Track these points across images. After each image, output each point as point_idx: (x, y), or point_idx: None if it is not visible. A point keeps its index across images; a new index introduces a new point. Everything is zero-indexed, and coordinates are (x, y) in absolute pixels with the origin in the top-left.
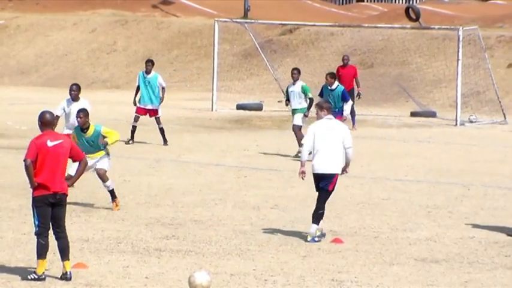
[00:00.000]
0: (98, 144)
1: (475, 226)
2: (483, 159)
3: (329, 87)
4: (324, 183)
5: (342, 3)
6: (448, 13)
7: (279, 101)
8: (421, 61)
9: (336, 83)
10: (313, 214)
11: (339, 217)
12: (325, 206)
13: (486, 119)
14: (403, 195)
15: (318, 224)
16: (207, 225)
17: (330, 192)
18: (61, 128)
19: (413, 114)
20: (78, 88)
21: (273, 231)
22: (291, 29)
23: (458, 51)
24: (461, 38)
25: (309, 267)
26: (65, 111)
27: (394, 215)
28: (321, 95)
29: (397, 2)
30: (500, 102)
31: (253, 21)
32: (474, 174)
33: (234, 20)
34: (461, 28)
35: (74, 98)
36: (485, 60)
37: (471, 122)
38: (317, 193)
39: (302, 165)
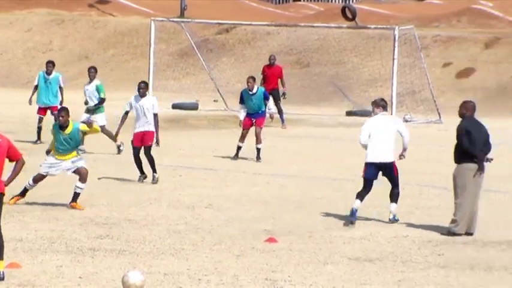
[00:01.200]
0: (75, 141)
1: (410, 225)
2: (418, 158)
3: (250, 92)
4: (387, 173)
5: (279, 3)
6: (384, 12)
7: (214, 101)
8: (357, 60)
9: (256, 87)
10: (390, 195)
11: (274, 216)
12: (399, 186)
13: (421, 118)
14: (339, 194)
15: (396, 203)
16: (141, 225)
17: (397, 176)
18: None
19: (349, 113)
20: (146, 85)
21: (207, 230)
22: (228, 28)
23: (394, 51)
24: (397, 38)
25: (242, 267)
26: (132, 107)
27: (329, 214)
28: (241, 101)
29: (333, 1)
30: (435, 101)
31: (189, 20)
32: (410, 174)
33: (171, 19)
34: (397, 27)
35: (142, 94)
36: (420, 59)
37: (406, 121)
38: (363, 185)
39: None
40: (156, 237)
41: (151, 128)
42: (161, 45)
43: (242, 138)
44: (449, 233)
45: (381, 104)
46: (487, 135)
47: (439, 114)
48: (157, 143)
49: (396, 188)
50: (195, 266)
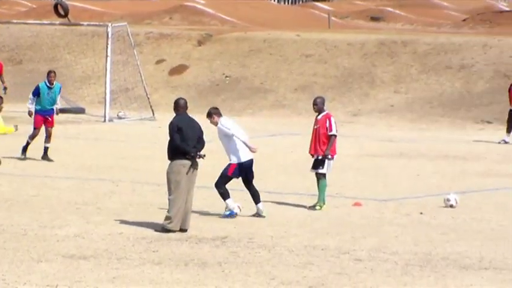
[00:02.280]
0: None
1: (124, 222)
2: (132, 155)
3: (49, 86)
4: (250, 169)
5: None
6: (98, 9)
7: None
8: (70, 57)
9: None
10: (253, 196)
11: None
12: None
13: (135, 115)
14: (53, 191)
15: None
16: None
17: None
18: None
19: (62, 110)
20: None
21: None
22: None
23: (107, 48)
24: (110, 35)
25: None
26: None
27: (43, 211)
28: (37, 93)
29: None
30: (148, 98)
31: None
32: (123, 171)
33: None
34: (110, 24)
35: None
36: (134, 56)
37: (120, 118)
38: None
39: None
40: None
41: None
42: None
43: (33, 137)
44: (164, 229)
45: (218, 112)
46: (200, 132)
47: (152, 111)
48: None
49: (253, 185)
50: None
